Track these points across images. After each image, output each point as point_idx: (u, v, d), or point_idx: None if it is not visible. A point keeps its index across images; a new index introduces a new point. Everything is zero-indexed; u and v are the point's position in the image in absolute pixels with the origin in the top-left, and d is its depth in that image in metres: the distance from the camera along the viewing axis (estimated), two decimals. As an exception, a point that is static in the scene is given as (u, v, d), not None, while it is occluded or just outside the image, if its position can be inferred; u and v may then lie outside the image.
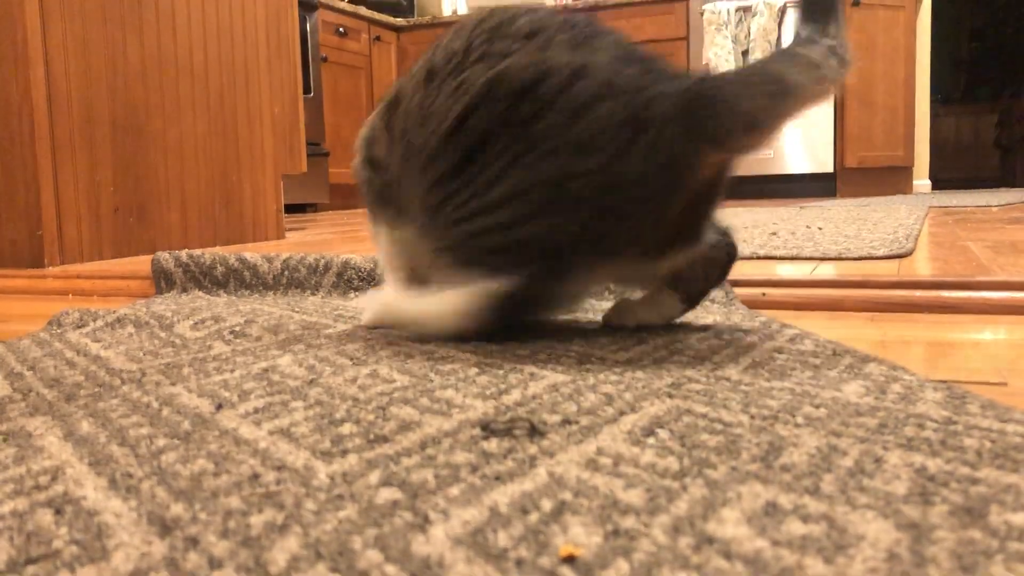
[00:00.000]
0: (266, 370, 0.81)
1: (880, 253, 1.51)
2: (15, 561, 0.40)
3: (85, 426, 0.63)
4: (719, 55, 4.84)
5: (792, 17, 4.79)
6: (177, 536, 0.42)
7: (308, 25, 4.49)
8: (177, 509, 0.46)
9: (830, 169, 4.86)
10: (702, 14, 4.91)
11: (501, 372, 0.77)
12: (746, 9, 4.83)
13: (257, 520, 0.44)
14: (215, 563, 0.39)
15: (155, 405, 0.69)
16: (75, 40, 2.07)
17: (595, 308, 1.15)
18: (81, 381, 0.79)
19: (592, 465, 0.51)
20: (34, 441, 0.60)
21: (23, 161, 1.98)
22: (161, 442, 0.58)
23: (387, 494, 0.47)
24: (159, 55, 2.33)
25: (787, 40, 4.79)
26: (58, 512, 0.46)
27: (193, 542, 0.42)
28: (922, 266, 1.36)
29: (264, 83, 2.74)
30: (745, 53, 4.84)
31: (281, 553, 0.40)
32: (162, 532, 0.43)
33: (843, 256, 1.50)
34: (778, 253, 1.56)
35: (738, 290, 1.23)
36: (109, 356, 0.91)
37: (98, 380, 0.79)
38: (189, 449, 0.57)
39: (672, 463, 0.51)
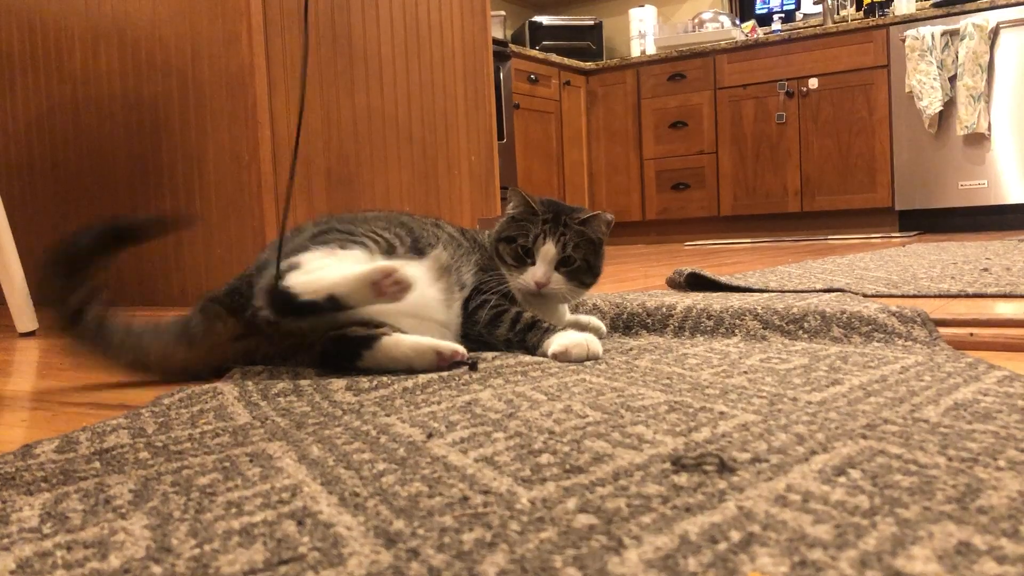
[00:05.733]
0: (469, 403, 0.87)
1: (1108, 290, 1.40)
2: (271, 561, 0.47)
3: (315, 450, 0.71)
4: (923, 82, 4.61)
5: (1006, 39, 4.48)
6: (400, 548, 0.48)
7: (501, 74, 4.68)
8: (399, 524, 0.52)
9: (1054, 198, 4.49)
10: (903, 40, 4.70)
11: (691, 411, 0.79)
12: (953, 32, 4.57)
13: (468, 537, 0.49)
14: (434, 572, 0.45)
15: (373, 433, 0.76)
16: (296, 101, 2.28)
17: (815, 355, 1.14)
18: (308, 411, 0.88)
19: (781, 501, 0.53)
20: (274, 462, 0.69)
21: (251, 210, 2.20)
22: (381, 466, 0.65)
23: (584, 519, 0.51)
24: (368, 112, 2.53)
25: (1001, 64, 4.49)
26: (300, 523, 0.53)
27: (414, 553, 0.47)
28: None
29: (462, 133, 2.90)
30: (953, 79, 4.58)
31: (491, 567, 0.45)
32: (387, 544, 0.49)
33: (1064, 293, 1.40)
34: (989, 291, 1.48)
35: (943, 330, 1.18)
36: (330, 387, 1.00)
37: (323, 410, 0.88)
38: (405, 473, 0.63)
39: (863, 501, 0.52)
